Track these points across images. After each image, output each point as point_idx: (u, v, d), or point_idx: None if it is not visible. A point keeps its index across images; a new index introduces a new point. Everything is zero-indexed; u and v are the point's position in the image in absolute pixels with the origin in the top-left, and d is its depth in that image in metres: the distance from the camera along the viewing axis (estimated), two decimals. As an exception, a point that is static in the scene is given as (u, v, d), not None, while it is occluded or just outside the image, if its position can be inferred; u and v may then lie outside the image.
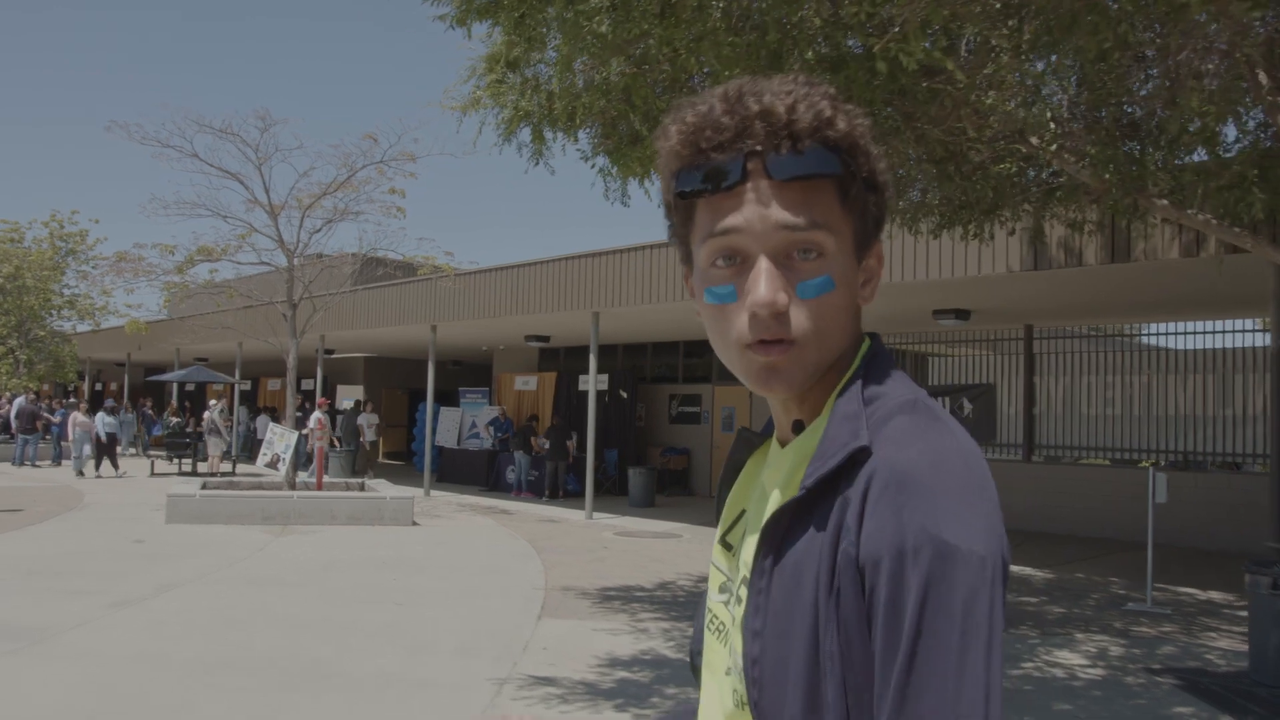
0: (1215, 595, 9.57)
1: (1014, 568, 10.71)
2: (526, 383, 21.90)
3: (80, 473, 20.50)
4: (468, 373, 27.92)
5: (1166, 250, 9.14)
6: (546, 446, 18.37)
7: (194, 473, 21.06)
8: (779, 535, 0.89)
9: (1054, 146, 5.61)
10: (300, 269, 14.95)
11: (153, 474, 21.07)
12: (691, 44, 4.77)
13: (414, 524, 13.57)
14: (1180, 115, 5.36)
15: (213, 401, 21.26)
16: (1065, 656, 6.79)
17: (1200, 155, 5.98)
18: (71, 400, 24.53)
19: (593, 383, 15.51)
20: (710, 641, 1.02)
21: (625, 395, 19.84)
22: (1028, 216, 7.48)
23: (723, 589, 1.02)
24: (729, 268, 0.91)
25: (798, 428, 0.96)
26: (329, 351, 23.37)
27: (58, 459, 23.79)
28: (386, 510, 13.60)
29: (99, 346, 30.90)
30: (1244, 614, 8.43)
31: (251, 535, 11.96)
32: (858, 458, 0.85)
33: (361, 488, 15.57)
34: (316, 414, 15.86)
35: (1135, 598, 9.18)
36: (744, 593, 0.94)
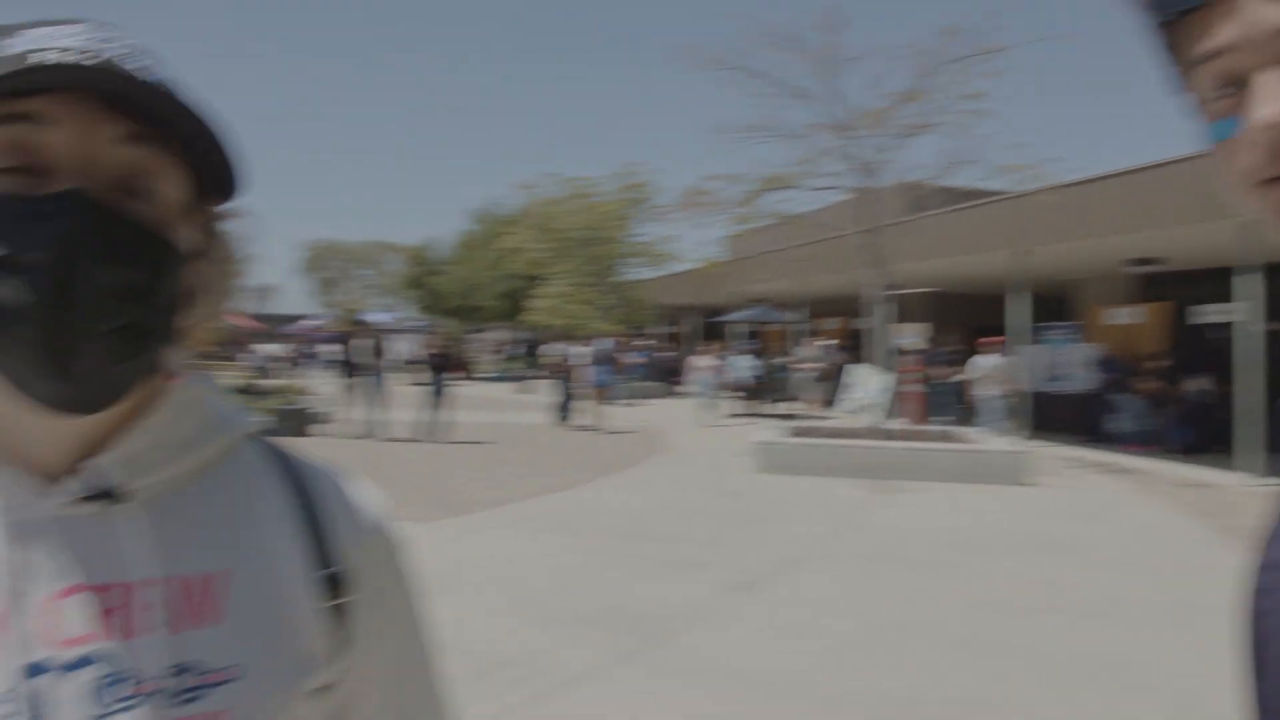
0: None
1: None
2: (1127, 315, 18.31)
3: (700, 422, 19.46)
4: (1035, 306, 24.55)
5: None
6: (1155, 391, 14.98)
7: (768, 415, 20.72)
8: None
9: None
10: (878, 192, 13.22)
11: (731, 415, 21.07)
12: None
13: (1023, 484, 11.30)
14: None
15: (820, 342, 20.61)
16: None
17: None
18: (651, 343, 25.60)
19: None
20: None
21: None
22: None
23: None
24: (1228, 98, 0.65)
25: None
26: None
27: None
28: (991, 466, 11.48)
29: (662, 291, 32.46)
30: None
31: (848, 492, 10.55)
32: None
33: (946, 436, 13.63)
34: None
35: None
36: None
